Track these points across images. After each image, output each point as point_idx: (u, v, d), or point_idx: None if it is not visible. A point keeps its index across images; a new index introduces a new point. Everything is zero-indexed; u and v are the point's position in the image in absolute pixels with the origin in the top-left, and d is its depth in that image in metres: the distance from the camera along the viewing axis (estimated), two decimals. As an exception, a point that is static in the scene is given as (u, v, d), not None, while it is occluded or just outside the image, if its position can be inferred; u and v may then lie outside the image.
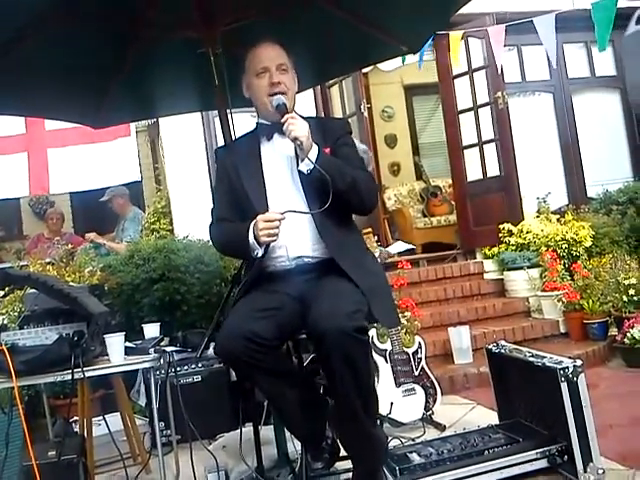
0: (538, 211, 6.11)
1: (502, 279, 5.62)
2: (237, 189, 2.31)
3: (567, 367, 2.37)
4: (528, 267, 5.34)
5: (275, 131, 2.30)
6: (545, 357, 2.56)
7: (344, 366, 1.93)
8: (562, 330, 4.91)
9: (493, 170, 6.15)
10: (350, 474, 2.21)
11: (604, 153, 6.94)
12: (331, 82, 6.37)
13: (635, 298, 4.42)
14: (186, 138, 5.78)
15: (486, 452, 2.51)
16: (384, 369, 3.42)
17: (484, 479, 2.43)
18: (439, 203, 7.90)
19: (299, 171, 2.18)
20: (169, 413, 2.92)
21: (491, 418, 3.01)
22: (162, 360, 2.47)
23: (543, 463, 2.46)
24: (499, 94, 5.99)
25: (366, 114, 6.39)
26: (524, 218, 5.86)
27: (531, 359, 2.60)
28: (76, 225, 7.78)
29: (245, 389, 2.75)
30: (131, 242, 5.00)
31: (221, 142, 2.95)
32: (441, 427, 3.32)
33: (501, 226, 5.76)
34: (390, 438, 2.88)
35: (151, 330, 2.76)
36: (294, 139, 2.11)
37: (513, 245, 5.64)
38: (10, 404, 2.49)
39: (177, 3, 2.69)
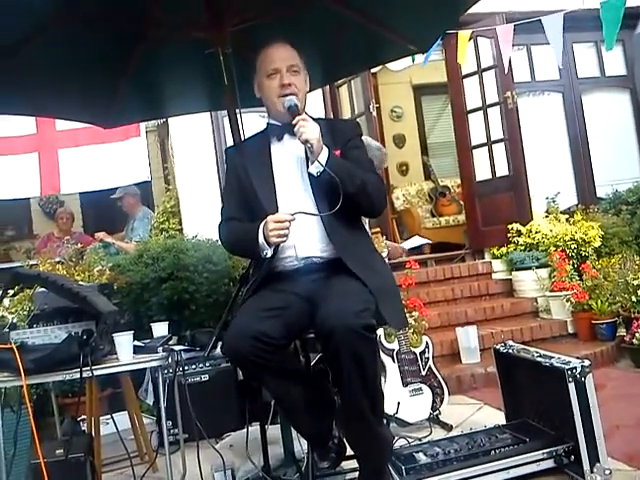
0: (547, 211, 6.08)
1: (510, 279, 5.61)
2: (247, 189, 2.31)
3: (575, 367, 2.36)
4: (537, 267, 5.32)
5: (286, 132, 2.30)
6: (553, 357, 2.55)
7: (352, 364, 1.93)
8: (570, 330, 4.89)
9: (502, 170, 6.13)
10: (356, 473, 2.22)
11: (614, 153, 6.89)
12: (340, 82, 6.36)
13: (644, 298, 4.39)
14: (195, 138, 5.79)
15: (493, 452, 2.50)
16: (391, 369, 3.42)
17: (491, 479, 2.42)
18: (447, 203, 7.89)
19: (309, 173, 2.18)
20: (176, 412, 2.94)
21: (498, 418, 3.01)
22: (170, 359, 2.47)
23: (550, 463, 2.46)
24: (508, 94, 5.97)
25: (375, 114, 6.38)
26: (533, 218, 5.84)
27: (539, 359, 2.59)
28: (86, 224, 7.80)
29: (252, 388, 2.75)
30: (140, 241, 5.01)
31: (230, 142, 2.95)
32: (448, 427, 3.32)
33: (510, 226, 5.74)
34: (397, 438, 2.89)
35: (160, 329, 2.77)
36: (305, 141, 2.11)
37: (522, 245, 5.62)
38: (19, 402, 2.51)
39: (186, 3, 2.70)
